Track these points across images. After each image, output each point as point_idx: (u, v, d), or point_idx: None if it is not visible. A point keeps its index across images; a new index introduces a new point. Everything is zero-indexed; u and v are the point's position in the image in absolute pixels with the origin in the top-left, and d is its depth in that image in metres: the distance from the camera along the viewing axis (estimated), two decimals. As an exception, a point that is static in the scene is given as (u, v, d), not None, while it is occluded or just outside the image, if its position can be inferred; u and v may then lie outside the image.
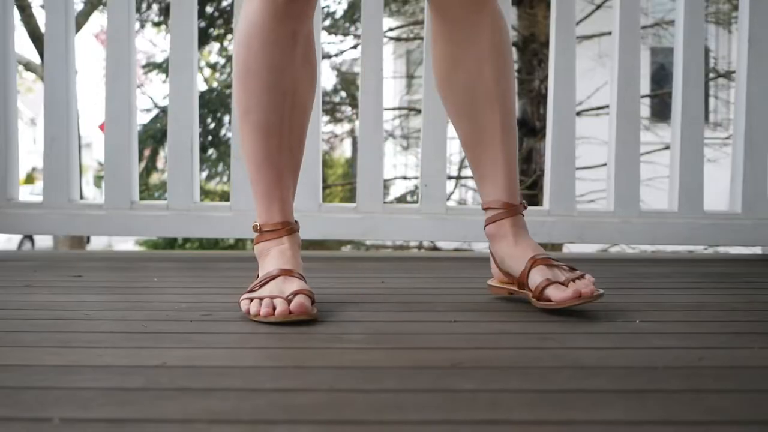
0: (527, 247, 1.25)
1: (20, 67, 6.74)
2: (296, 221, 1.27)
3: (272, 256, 1.22)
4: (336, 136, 6.77)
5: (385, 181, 4.50)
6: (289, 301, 1.12)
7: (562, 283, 1.18)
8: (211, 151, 5.61)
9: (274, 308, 1.12)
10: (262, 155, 1.23)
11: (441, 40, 1.29)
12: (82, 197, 2.06)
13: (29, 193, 9.91)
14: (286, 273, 1.18)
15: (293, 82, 1.23)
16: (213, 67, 6.54)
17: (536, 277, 1.20)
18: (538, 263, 1.21)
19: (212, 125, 5.60)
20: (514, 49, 4.70)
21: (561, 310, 1.18)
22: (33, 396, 0.77)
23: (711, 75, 5.40)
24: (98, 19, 7.11)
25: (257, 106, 1.22)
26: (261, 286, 1.17)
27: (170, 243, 5.50)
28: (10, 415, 0.72)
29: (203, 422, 0.70)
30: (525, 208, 1.30)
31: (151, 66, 6.00)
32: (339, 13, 5.88)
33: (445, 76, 1.31)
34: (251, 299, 1.16)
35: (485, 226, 1.31)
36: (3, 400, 0.76)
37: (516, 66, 4.92)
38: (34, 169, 17.13)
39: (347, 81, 6.37)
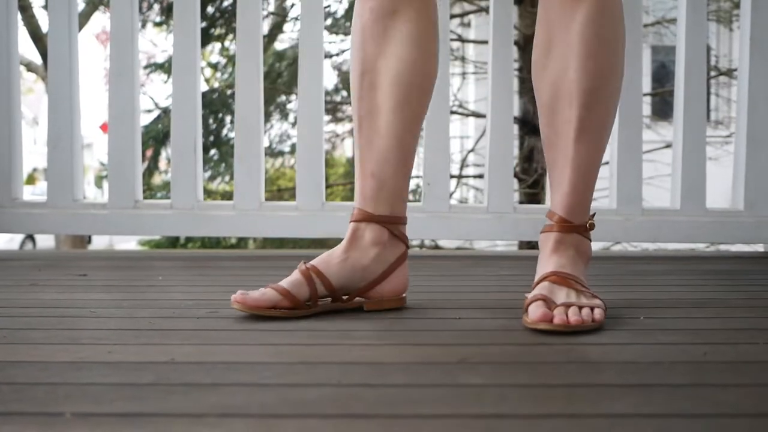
0: (554, 263, 1.15)
1: (21, 68, 6.74)
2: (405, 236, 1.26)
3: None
4: (337, 135, 6.77)
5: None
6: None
7: (551, 304, 1.08)
8: (213, 151, 5.61)
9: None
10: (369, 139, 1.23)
11: (540, 24, 1.18)
12: (84, 197, 2.07)
13: (31, 194, 9.91)
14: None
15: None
16: (214, 67, 6.53)
17: (534, 292, 1.12)
18: (548, 279, 1.12)
19: (213, 126, 5.60)
20: (515, 48, 4.71)
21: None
22: (44, 391, 0.78)
23: (712, 73, 5.40)
24: (99, 19, 7.11)
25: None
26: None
27: (172, 243, 5.50)
28: (22, 410, 0.72)
29: (214, 416, 0.71)
30: (588, 228, 1.20)
31: (152, 66, 5.99)
32: (340, 13, 5.88)
33: (536, 63, 1.20)
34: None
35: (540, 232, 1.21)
36: (15, 395, 0.77)
37: (517, 64, 4.91)
38: (35, 170, 17.13)
39: (348, 80, 6.36)
